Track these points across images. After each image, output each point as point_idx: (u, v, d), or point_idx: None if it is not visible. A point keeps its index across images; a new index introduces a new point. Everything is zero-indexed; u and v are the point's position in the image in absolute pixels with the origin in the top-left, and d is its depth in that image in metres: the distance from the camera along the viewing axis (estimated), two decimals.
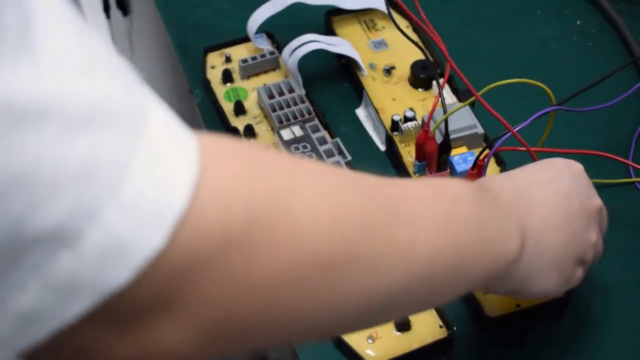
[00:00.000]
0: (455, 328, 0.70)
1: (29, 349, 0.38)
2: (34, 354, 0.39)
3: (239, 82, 0.87)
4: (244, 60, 0.86)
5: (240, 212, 0.40)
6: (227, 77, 0.86)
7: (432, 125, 0.78)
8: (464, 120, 0.79)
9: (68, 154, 0.36)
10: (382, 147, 0.83)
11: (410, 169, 0.80)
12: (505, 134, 0.72)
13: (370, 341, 0.69)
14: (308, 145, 0.80)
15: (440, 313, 0.70)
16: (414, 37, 0.88)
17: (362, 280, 0.46)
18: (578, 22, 0.93)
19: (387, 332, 0.69)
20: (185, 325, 0.41)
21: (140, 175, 0.37)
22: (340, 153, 0.79)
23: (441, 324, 0.70)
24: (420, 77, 0.85)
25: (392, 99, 0.85)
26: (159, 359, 0.41)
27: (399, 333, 0.70)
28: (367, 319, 0.50)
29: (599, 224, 0.65)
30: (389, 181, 0.50)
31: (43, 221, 0.36)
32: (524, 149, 0.72)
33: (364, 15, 0.91)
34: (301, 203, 0.43)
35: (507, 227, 0.56)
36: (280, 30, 0.89)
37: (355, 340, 0.69)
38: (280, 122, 0.82)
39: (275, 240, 0.41)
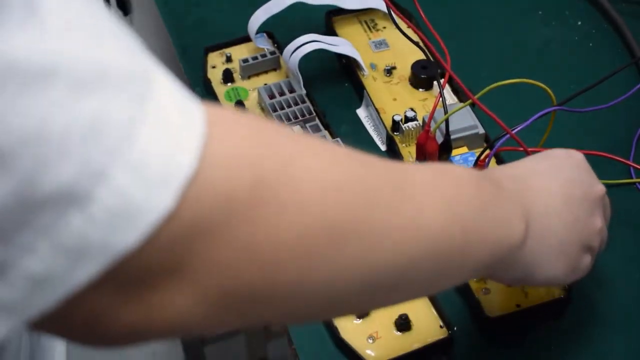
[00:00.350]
0: (455, 328, 0.70)
1: (38, 316, 0.38)
2: (41, 323, 0.39)
3: (239, 82, 0.87)
4: (245, 60, 0.86)
5: (246, 177, 0.41)
6: (227, 76, 0.86)
7: (432, 126, 0.78)
8: (464, 120, 0.80)
9: (76, 114, 0.36)
10: (383, 147, 0.83)
11: None
12: (506, 135, 0.72)
13: (371, 341, 0.69)
14: None
15: (441, 313, 0.70)
16: (415, 37, 0.88)
17: (368, 250, 0.46)
18: (579, 23, 0.93)
19: (387, 332, 0.69)
20: (193, 292, 0.41)
21: (147, 138, 0.38)
22: None
23: (441, 324, 0.70)
24: (421, 77, 0.85)
25: (393, 99, 0.85)
26: (167, 328, 0.41)
27: (399, 333, 0.70)
28: (374, 295, 0.49)
29: (603, 210, 0.65)
30: (392, 161, 0.51)
31: (53, 181, 0.36)
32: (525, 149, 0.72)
33: (364, 15, 0.91)
34: (307, 171, 0.43)
35: (510, 211, 0.56)
36: (280, 30, 0.89)
37: (356, 340, 0.69)
38: (281, 121, 0.82)
39: (281, 206, 0.42)
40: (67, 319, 0.40)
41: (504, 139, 0.72)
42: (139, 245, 0.38)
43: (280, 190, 0.42)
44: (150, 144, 0.38)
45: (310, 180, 0.43)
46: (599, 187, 0.64)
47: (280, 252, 0.42)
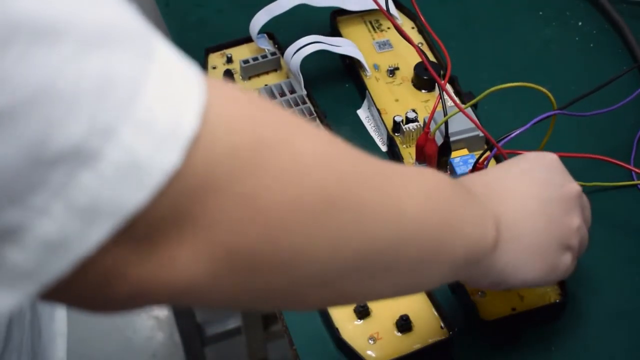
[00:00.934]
0: (456, 329, 0.70)
1: (53, 282, 0.39)
2: (52, 292, 0.39)
3: (240, 83, 0.87)
4: (246, 61, 0.86)
5: (248, 137, 0.42)
6: (228, 77, 0.86)
7: (432, 127, 0.78)
8: (464, 122, 0.79)
9: (83, 72, 0.37)
10: (384, 148, 0.83)
11: None
12: (506, 137, 0.73)
13: (372, 342, 0.69)
14: None
15: (442, 314, 0.71)
16: (419, 38, 0.88)
17: (357, 224, 0.47)
18: (579, 23, 0.93)
19: (388, 332, 0.70)
20: (198, 248, 0.41)
21: (153, 96, 0.38)
22: None
23: (442, 324, 0.70)
24: (424, 78, 0.85)
25: (395, 99, 0.85)
26: (174, 289, 0.42)
27: (400, 334, 0.70)
28: (369, 270, 0.50)
29: (581, 209, 0.64)
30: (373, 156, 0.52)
31: (63, 139, 0.36)
32: (525, 152, 0.72)
33: (369, 15, 0.91)
34: (303, 141, 0.45)
35: (482, 216, 0.57)
36: (282, 31, 0.89)
37: (357, 340, 0.69)
38: None
39: (279, 169, 0.43)
40: (76, 283, 0.40)
41: (503, 141, 0.73)
42: (149, 201, 0.39)
43: (279, 154, 0.43)
44: (156, 102, 0.38)
45: (306, 150, 0.45)
46: (572, 186, 0.64)
47: (280, 212, 0.43)
